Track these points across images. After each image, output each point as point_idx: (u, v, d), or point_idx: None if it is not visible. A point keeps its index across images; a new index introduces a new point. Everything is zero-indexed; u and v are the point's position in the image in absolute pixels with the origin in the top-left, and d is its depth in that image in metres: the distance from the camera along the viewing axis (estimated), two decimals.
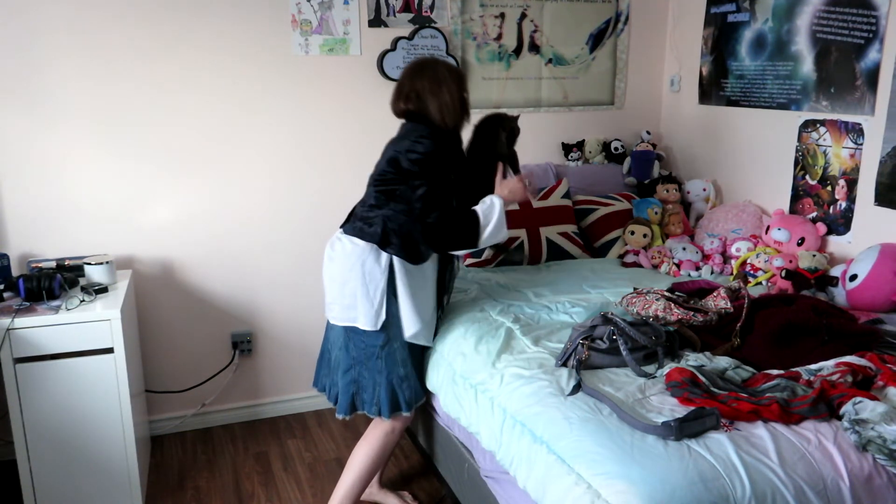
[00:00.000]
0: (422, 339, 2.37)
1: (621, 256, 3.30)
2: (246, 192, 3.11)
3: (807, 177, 3.05)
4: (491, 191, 2.39)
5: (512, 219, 3.21)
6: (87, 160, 2.89)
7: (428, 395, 2.49)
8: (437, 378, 2.40)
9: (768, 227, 3.08)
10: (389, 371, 2.32)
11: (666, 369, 2.00)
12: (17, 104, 2.76)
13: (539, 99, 3.63)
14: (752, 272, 2.95)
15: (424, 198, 2.22)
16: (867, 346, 2.12)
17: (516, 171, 2.55)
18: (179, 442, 3.17)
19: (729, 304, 2.39)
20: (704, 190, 3.56)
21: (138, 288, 3.03)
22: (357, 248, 2.28)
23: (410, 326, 2.31)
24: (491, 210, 2.28)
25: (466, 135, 2.56)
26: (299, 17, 3.08)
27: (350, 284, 2.28)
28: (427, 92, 2.29)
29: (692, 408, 1.78)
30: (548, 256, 3.25)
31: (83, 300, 2.50)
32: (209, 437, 3.21)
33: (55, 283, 2.52)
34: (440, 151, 2.26)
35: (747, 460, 1.61)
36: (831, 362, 1.98)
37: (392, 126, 2.43)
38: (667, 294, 2.45)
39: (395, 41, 3.22)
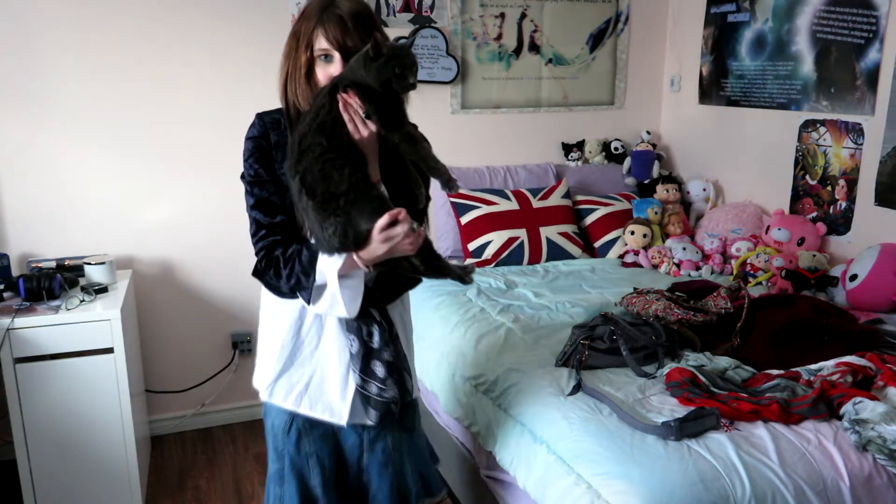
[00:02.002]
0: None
1: (621, 256, 3.30)
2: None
3: (807, 177, 3.05)
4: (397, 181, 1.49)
5: (511, 219, 3.23)
6: (87, 160, 2.89)
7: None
8: (438, 378, 2.40)
9: (768, 227, 3.08)
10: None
11: (666, 369, 2.00)
12: (17, 104, 2.76)
13: (539, 99, 3.63)
14: (752, 272, 2.95)
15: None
16: (867, 346, 2.11)
17: (435, 172, 1.45)
18: (179, 442, 3.17)
19: (729, 304, 2.39)
20: (704, 190, 3.56)
21: (138, 288, 3.03)
22: None
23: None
24: (317, 282, 1.47)
25: None
26: None
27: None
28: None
29: (692, 408, 1.78)
30: (548, 256, 3.25)
31: (83, 300, 2.50)
32: (209, 437, 3.21)
33: (55, 283, 2.52)
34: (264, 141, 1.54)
35: (747, 460, 1.61)
36: (831, 362, 1.98)
37: None
38: (667, 294, 2.45)
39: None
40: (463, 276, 1.55)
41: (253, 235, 1.54)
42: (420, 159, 1.46)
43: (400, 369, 1.62)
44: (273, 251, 1.50)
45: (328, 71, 1.45)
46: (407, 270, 1.52)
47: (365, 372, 1.59)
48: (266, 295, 1.65)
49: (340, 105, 1.38)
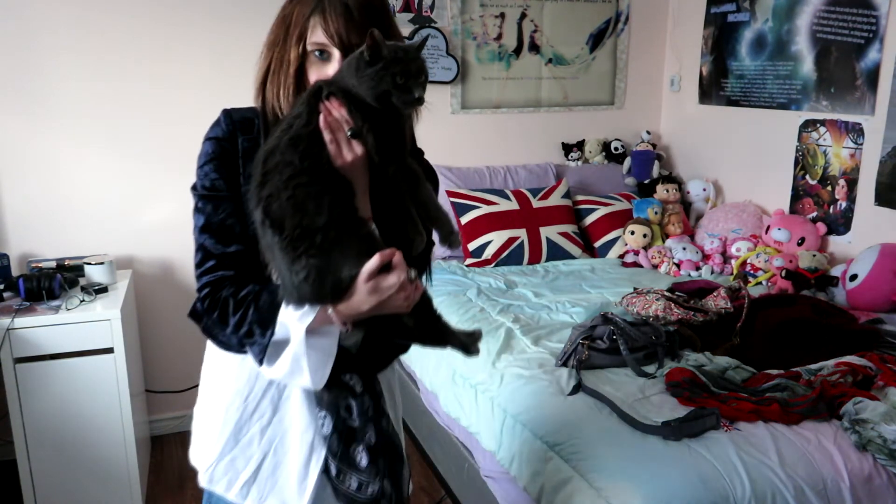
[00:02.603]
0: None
1: (621, 256, 3.30)
2: None
3: (807, 177, 3.05)
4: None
5: (511, 219, 3.23)
6: (87, 160, 2.88)
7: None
8: (438, 378, 2.40)
9: (768, 227, 3.08)
10: None
11: (666, 369, 2.00)
12: (17, 104, 2.76)
13: (539, 99, 3.63)
14: (752, 272, 2.95)
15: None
16: (867, 346, 2.11)
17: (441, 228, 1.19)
18: (179, 442, 3.17)
19: (729, 303, 2.39)
20: (704, 190, 3.56)
21: (138, 288, 3.03)
22: None
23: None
24: (278, 341, 1.13)
25: None
26: None
27: None
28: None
29: (692, 408, 1.78)
30: (548, 256, 3.25)
31: (83, 300, 2.50)
32: None
33: (55, 283, 2.52)
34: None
35: (747, 460, 1.61)
36: (831, 362, 1.98)
37: None
38: (667, 294, 2.45)
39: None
40: (469, 345, 1.23)
41: (197, 266, 1.17)
42: (418, 204, 1.16)
43: (391, 455, 1.23)
44: (220, 290, 1.15)
45: (324, 71, 1.13)
46: (396, 333, 1.20)
47: (343, 460, 1.20)
48: (210, 344, 1.33)
49: (322, 118, 1.08)
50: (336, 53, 1.12)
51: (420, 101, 1.10)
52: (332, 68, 1.13)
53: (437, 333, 1.22)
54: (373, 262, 1.04)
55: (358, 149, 1.09)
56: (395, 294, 1.06)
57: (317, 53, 1.14)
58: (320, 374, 1.12)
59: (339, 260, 1.06)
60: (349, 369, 1.20)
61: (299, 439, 1.23)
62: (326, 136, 1.07)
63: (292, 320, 1.09)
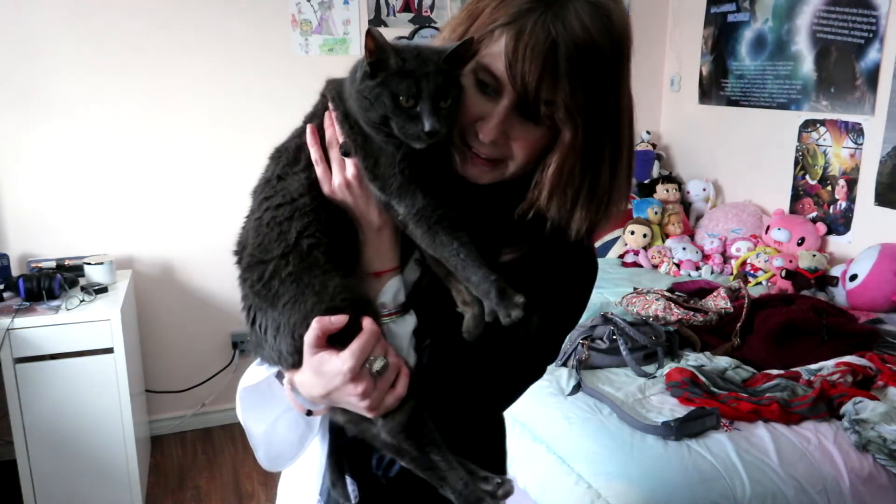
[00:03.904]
0: None
1: (621, 256, 3.30)
2: (246, 192, 3.10)
3: (807, 177, 3.05)
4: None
5: None
6: (86, 160, 2.88)
7: None
8: None
9: (768, 227, 3.08)
10: None
11: (666, 369, 2.00)
12: (17, 104, 2.76)
13: None
14: (752, 272, 2.95)
15: None
16: (867, 346, 2.12)
17: None
18: (179, 442, 3.17)
19: (729, 304, 2.39)
20: (704, 190, 3.56)
21: (138, 288, 3.03)
22: None
23: None
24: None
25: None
26: (299, 17, 3.08)
27: None
28: None
29: (692, 408, 1.78)
30: None
31: (83, 300, 2.50)
32: (209, 437, 3.20)
33: (55, 283, 2.51)
34: None
35: (747, 460, 1.61)
36: (831, 362, 1.98)
37: None
38: (667, 294, 2.45)
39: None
40: (482, 499, 0.85)
41: None
42: (449, 273, 0.84)
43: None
44: None
45: (480, 108, 0.81)
46: (378, 444, 0.86)
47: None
48: None
49: (308, 130, 0.86)
50: (507, 96, 0.79)
51: (434, 135, 0.76)
52: (494, 109, 0.80)
53: (428, 464, 0.83)
54: (313, 328, 0.78)
55: (352, 174, 0.82)
56: (344, 386, 0.78)
57: (481, 84, 0.81)
58: (274, 451, 0.95)
59: (290, 308, 0.81)
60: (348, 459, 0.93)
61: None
62: (313, 153, 0.85)
63: (253, 370, 0.93)
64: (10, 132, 2.77)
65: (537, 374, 0.95)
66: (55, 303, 2.49)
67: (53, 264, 2.74)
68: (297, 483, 1.03)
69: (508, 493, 0.85)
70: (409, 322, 0.86)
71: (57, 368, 2.41)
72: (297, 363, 0.81)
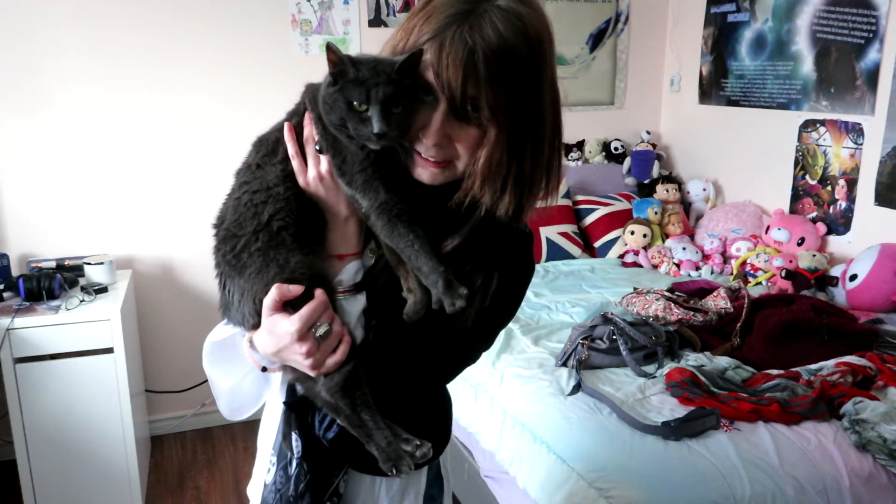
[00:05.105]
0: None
1: (621, 256, 3.30)
2: None
3: (807, 177, 3.05)
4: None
5: None
6: (86, 160, 2.88)
7: None
8: None
9: (768, 227, 3.08)
10: None
11: (666, 369, 2.00)
12: (17, 104, 2.76)
13: None
14: (752, 272, 2.95)
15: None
16: (867, 346, 2.12)
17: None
18: (179, 442, 3.17)
19: (729, 304, 2.39)
20: (704, 190, 3.56)
21: (138, 288, 3.03)
22: None
23: None
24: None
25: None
26: (299, 17, 3.08)
27: None
28: None
29: (692, 408, 1.78)
30: (548, 256, 3.25)
31: (83, 300, 2.50)
32: (209, 437, 3.20)
33: (55, 283, 2.52)
34: None
35: (747, 460, 1.61)
36: (831, 362, 1.98)
37: None
38: (667, 294, 2.45)
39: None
40: (395, 457, 0.94)
41: None
42: (400, 262, 0.95)
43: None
44: None
45: (424, 117, 0.89)
46: (319, 402, 0.98)
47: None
48: None
49: (286, 127, 0.96)
50: (442, 105, 0.88)
51: (383, 136, 0.85)
52: (430, 117, 0.89)
53: (355, 421, 0.95)
54: (272, 293, 0.89)
55: (325, 168, 0.93)
56: (290, 345, 0.89)
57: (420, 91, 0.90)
58: (237, 402, 1.11)
59: (254, 277, 0.92)
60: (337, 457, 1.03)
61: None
62: (290, 149, 0.95)
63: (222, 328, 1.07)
64: (11, 132, 2.77)
65: (471, 358, 1.06)
66: (55, 303, 2.49)
67: (53, 264, 2.74)
68: (265, 437, 1.20)
69: (426, 455, 0.96)
70: (360, 301, 0.98)
71: (57, 368, 2.42)
72: (257, 325, 0.93)
